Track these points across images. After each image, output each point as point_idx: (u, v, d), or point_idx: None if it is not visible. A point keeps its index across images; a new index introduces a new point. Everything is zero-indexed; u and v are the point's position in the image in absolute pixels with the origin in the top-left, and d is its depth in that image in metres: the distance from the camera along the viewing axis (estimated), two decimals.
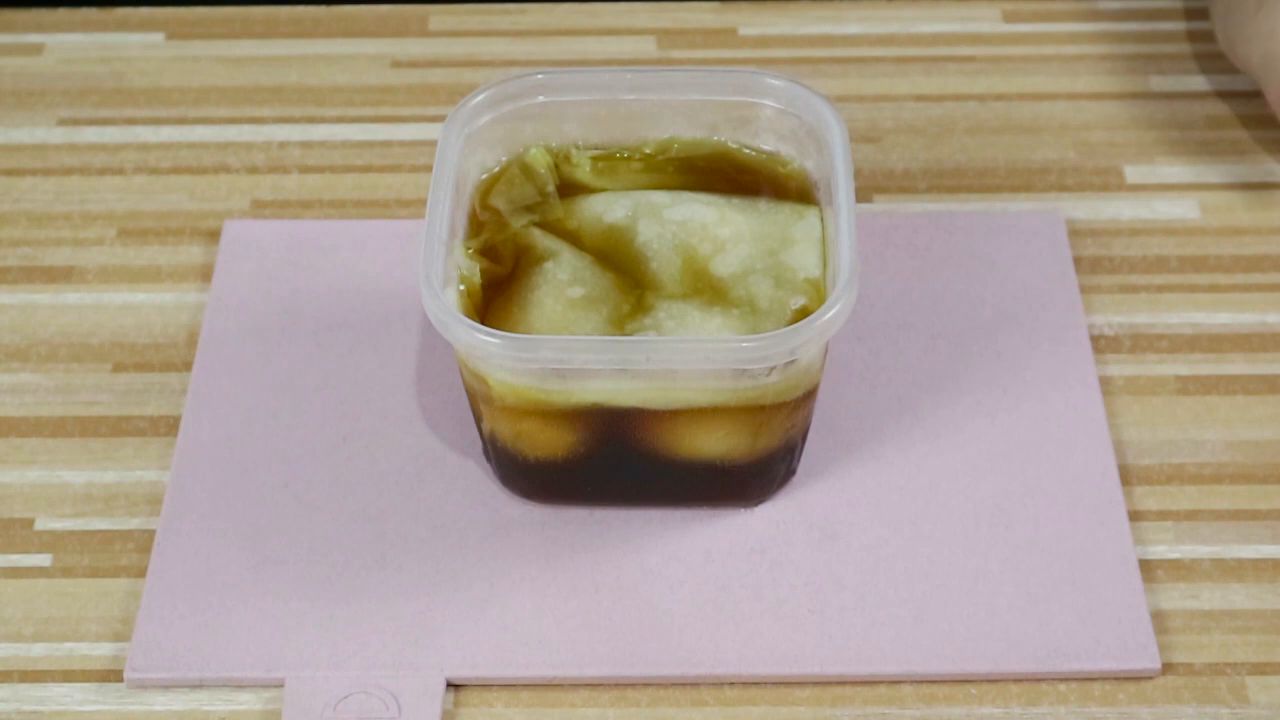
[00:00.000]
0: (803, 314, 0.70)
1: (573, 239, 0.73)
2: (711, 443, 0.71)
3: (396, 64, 0.94)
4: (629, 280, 0.72)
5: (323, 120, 0.91)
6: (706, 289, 0.71)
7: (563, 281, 0.71)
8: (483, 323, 0.69)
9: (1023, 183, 0.88)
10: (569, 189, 0.75)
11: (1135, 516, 0.74)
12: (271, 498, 0.75)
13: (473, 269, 0.71)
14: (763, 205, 0.74)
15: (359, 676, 0.69)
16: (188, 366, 0.80)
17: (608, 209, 0.74)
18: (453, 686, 0.70)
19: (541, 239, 0.73)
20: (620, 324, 0.70)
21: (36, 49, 0.95)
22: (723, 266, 0.72)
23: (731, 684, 0.70)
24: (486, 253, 0.72)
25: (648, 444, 0.71)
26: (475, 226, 0.74)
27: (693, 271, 0.72)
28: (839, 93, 0.92)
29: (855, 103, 0.92)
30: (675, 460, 0.72)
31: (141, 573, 0.73)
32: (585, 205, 0.74)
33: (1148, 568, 0.73)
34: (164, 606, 0.71)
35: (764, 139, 0.76)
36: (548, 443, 0.72)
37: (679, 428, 0.71)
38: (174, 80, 0.93)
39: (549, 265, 0.72)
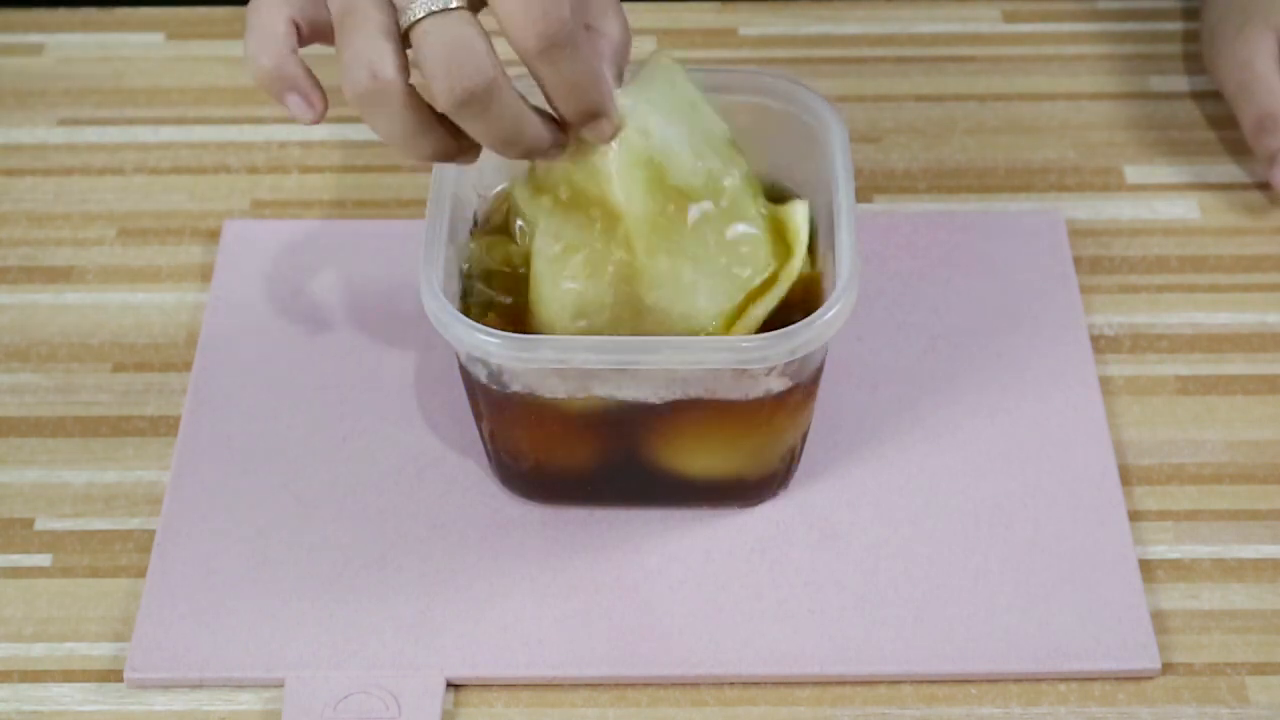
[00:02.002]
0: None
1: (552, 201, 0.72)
2: (712, 443, 0.71)
3: None
4: (601, 211, 0.69)
5: (323, 120, 0.91)
6: (674, 197, 0.70)
7: (549, 245, 0.70)
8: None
9: (1023, 183, 0.88)
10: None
11: (1135, 516, 0.74)
12: (271, 498, 0.75)
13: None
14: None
15: (359, 676, 0.69)
16: (188, 366, 0.80)
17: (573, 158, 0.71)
18: (453, 686, 0.70)
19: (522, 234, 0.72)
20: (603, 270, 0.69)
21: (36, 49, 0.95)
22: (682, 174, 0.71)
23: (731, 684, 0.70)
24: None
25: (648, 443, 0.71)
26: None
27: (662, 189, 0.70)
28: (839, 93, 0.92)
29: (855, 103, 0.92)
30: (675, 460, 0.72)
31: (141, 573, 0.73)
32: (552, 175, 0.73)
33: (1148, 568, 0.73)
34: (164, 606, 0.71)
35: (763, 139, 0.76)
36: (548, 443, 0.72)
37: (679, 427, 0.70)
38: (174, 80, 0.93)
39: (537, 242, 0.71)
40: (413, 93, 0.64)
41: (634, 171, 0.68)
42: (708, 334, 0.69)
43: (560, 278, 0.69)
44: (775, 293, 0.70)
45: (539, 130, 0.66)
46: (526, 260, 0.71)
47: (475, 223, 0.75)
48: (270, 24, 0.65)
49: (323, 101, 0.66)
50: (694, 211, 0.69)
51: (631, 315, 0.69)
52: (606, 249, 0.69)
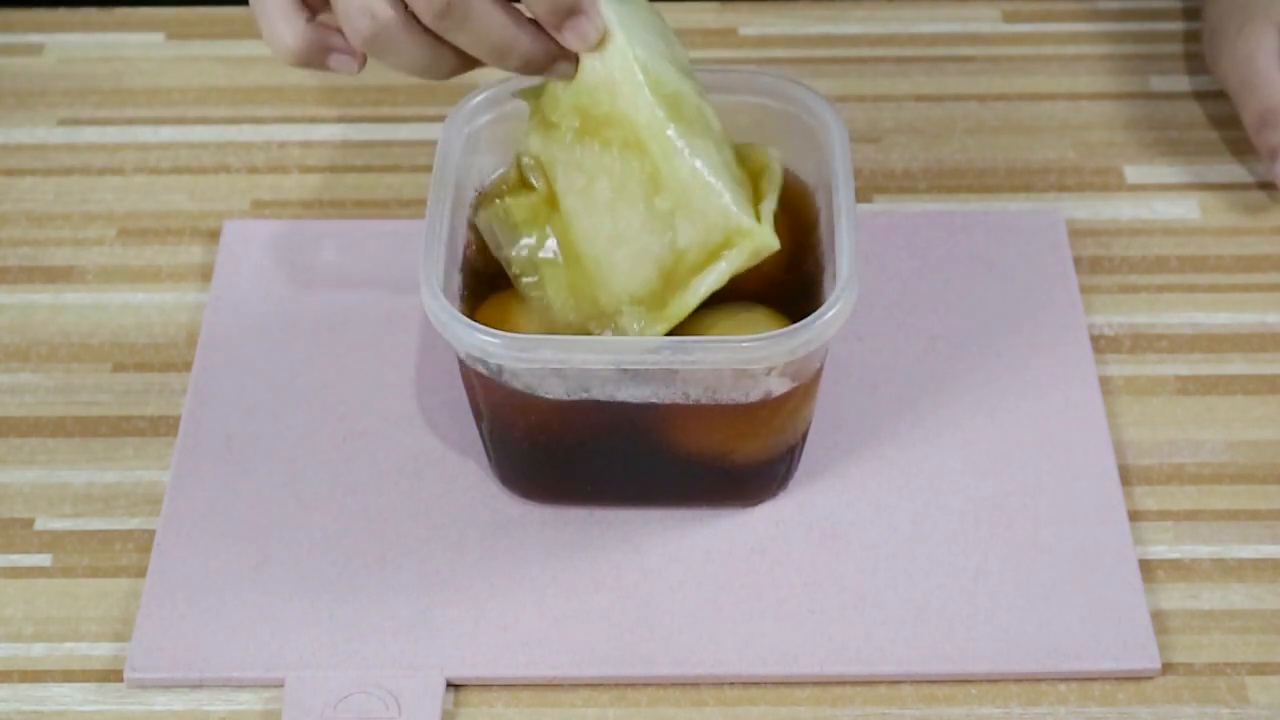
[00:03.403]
0: None
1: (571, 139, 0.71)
2: (712, 442, 0.71)
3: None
4: (617, 131, 0.69)
5: (323, 120, 0.91)
6: (672, 104, 0.69)
7: (574, 179, 0.70)
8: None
9: (1023, 183, 0.88)
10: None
11: (1135, 516, 0.74)
12: (271, 498, 0.75)
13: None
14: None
15: (359, 676, 0.69)
16: (188, 366, 0.80)
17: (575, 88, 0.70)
18: (453, 686, 0.70)
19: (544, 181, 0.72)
20: (631, 189, 0.68)
21: (36, 49, 0.95)
22: (672, 82, 0.70)
23: (731, 684, 0.70)
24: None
25: (648, 443, 0.71)
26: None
27: (661, 95, 0.69)
28: (839, 93, 0.92)
29: (855, 103, 0.92)
30: (675, 459, 0.72)
31: (141, 573, 0.73)
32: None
33: (1148, 568, 0.73)
34: (164, 606, 0.71)
35: (763, 139, 0.76)
36: (548, 443, 0.72)
37: (679, 427, 0.71)
38: (174, 80, 0.93)
39: (560, 182, 0.70)
40: (413, 20, 0.65)
41: (635, 78, 0.67)
42: (743, 229, 0.68)
43: (593, 209, 0.69)
44: (773, 194, 0.70)
45: (531, 39, 0.66)
46: (550, 205, 0.70)
47: (474, 211, 0.75)
48: (278, 5, 0.67)
49: (355, 49, 0.68)
50: (697, 118, 0.69)
51: (664, 229, 0.68)
52: (628, 166, 0.68)
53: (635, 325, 0.69)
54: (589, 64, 0.68)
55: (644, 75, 0.67)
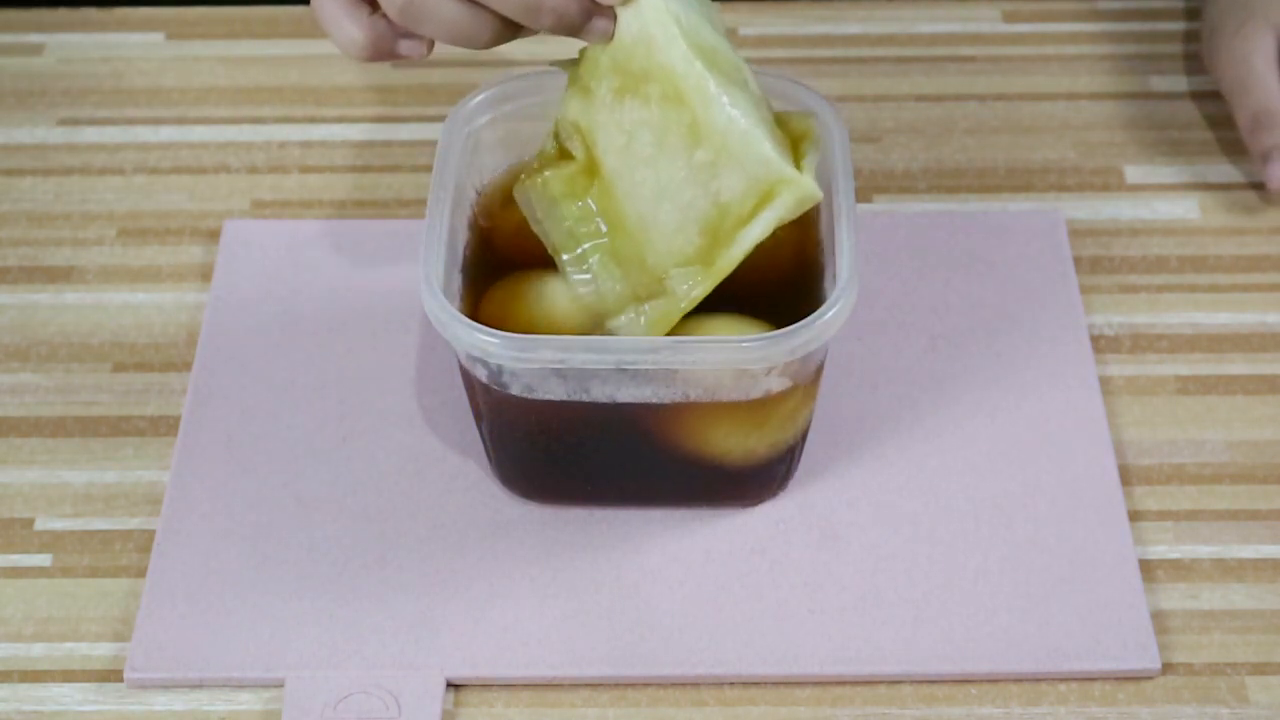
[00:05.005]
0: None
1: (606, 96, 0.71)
2: (712, 442, 0.71)
3: (396, 64, 0.94)
4: (656, 86, 0.68)
5: (323, 120, 0.91)
6: (709, 57, 0.69)
7: (614, 140, 0.70)
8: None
9: (1023, 183, 0.88)
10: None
11: (1135, 516, 0.74)
12: (271, 498, 0.75)
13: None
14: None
15: (359, 676, 0.69)
16: (188, 366, 0.80)
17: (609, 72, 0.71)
18: (453, 686, 0.70)
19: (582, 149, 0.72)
20: (671, 141, 0.69)
21: (36, 49, 0.95)
22: (708, 38, 0.70)
23: (731, 684, 0.70)
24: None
25: (648, 443, 0.71)
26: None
27: (697, 47, 0.68)
28: (839, 93, 0.92)
29: (855, 103, 0.92)
30: (675, 459, 0.72)
31: (141, 573, 0.73)
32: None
33: (1148, 568, 0.73)
34: (164, 606, 0.71)
35: None
36: (548, 443, 0.72)
37: (679, 427, 0.71)
38: (174, 80, 0.93)
39: (600, 144, 0.70)
40: None
41: (670, 30, 0.67)
42: (785, 178, 0.68)
43: (634, 166, 0.69)
44: (814, 154, 0.70)
45: None
46: (589, 173, 0.70)
47: (474, 217, 0.75)
48: (341, 4, 0.68)
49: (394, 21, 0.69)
50: (734, 72, 0.69)
51: (708, 181, 0.68)
52: (667, 119, 0.68)
53: (684, 285, 0.69)
54: (625, 20, 0.68)
55: (679, 27, 0.68)
